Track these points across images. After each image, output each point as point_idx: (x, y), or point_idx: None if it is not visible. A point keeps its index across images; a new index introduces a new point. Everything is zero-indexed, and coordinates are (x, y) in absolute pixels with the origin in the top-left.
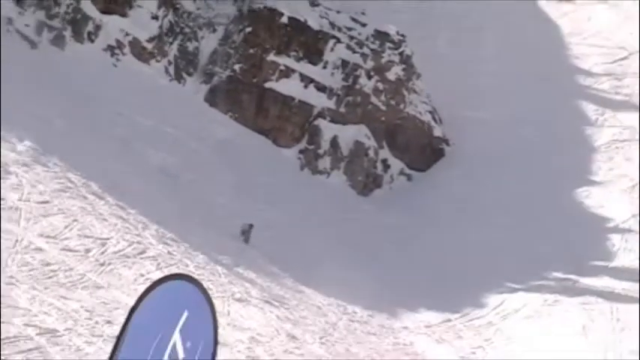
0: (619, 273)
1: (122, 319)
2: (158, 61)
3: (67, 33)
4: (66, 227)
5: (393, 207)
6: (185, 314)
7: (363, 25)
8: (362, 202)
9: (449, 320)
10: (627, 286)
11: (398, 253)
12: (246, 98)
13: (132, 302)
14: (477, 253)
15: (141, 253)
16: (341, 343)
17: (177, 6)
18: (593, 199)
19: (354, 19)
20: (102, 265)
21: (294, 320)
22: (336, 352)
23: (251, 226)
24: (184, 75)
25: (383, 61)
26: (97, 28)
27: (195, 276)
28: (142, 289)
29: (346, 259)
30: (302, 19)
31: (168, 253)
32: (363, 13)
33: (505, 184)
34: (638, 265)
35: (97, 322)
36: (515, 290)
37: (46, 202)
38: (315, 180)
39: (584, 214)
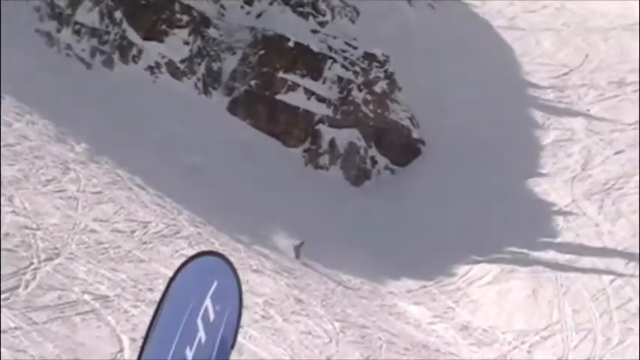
0: (562, 247)
1: (162, 288)
2: (189, 79)
3: (116, 56)
4: (115, 213)
5: (379, 195)
6: (215, 283)
7: (355, 48)
8: (355, 192)
9: (425, 286)
10: (569, 258)
11: (384, 232)
12: (261, 108)
13: (170, 273)
14: (447, 232)
15: (176, 233)
16: (338, 305)
17: (204, 34)
18: (540, 187)
19: (347, 43)
20: (144, 243)
21: (301, 287)
22: (334, 312)
23: (302, 243)
24: (210, 89)
25: (371, 77)
26: (140, 52)
27: (220, 252)
28: (177, 262)
29: (342, 237)
30: (305, 44)
31: (198, 233)
32: (354, 39)
33: (470, 176)
34: (582, 241)
35: (140, 290)
36: (478, 262)
37: (99, 192)
38: (316, 174)
39: (533, 200)
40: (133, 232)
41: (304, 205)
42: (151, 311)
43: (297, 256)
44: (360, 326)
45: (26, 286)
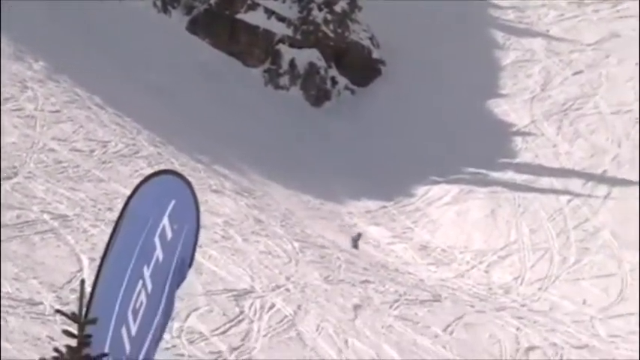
0: (521, 167)
1: (120, 207)
2: None
3: None
4: (74, 132)
5: (339, 115)
6: (173, 202)
7: None
8: (315, 112)
9: (385, 207)
10: (527, 178)
11: (344, 152)
12: (221, 27)
13: (128, 193)
14: (407, 152)
15: (135, 153)
16: (298, 225)
17: None
18: (500, 108)
19: None
20: (103, 162)
21: (260, 207)
22: (293, 232)
23: (360, 234)
24: (169, 8)
25: None
26: None
27: (180, 171)
28: (137, 182)
29: (302, 158)
30: None
31: (158, 153)
32: None
33: (429, 97)
34: (540, 162)
35: (99, 209)
36: (437, 182)
37: (57, 111)
38: (276, 94)
39: (492, 121)
40: (92, 151)
41: (264, 126)
42: (109, 230)
43: (356, 247)
44: (319, 246)
45: None
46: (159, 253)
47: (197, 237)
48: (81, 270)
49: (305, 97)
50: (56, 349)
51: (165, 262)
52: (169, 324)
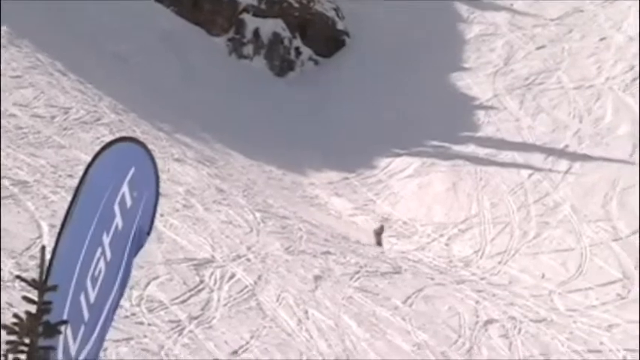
0: (483, 141)
1: (81, 174)
2: None
3: None
4: (35, 98)
5: (303, 86)
6: (132, 170)
7: None
8: (278, 82)
9: (347, 178)
10: (489, 152)
11: (307, 123)
12: None
13: (89, 160)
14: (370, 124)
15: (97, 120)
16: (260, 195)
17: None
18: (463, 81)
19: None
20: (64, 129)
21: (222, 177)
22: (255, 202)
23: (382, 227)
24: None
25: None
26: None
27: (141, 139)
28: (97, 149)
29: (265, 128)
30: None
31: (120, 121)
32: None
33: (393, 69)
34: (502, 136)
35: (60, 176)
36: (400, 154)
37: (19, 76)
38: (240, 63)
39: (455, 94)
40: (54, 117)
41: (227, 95)
42: (69, 197)
43: (380, 243)
44: (281, 217)
45: None
46: (118, 220)
47: (156, 205)
48: (40, 236)
49: (269, 67)
50: (16, 315)
51: (125, 230)
52: (128, 292)
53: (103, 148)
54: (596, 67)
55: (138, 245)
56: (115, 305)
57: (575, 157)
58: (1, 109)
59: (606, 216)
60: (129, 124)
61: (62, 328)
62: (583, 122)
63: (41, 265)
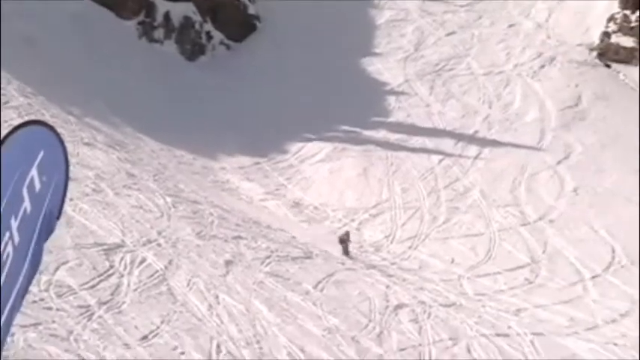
0: (394, 127)
1: None
2: None
3: None
4: None
5: (214, 70)
6: (41, 153)
7: None
8: (189, 66)
9: (258, 163)
10: (400, 137)
11: (218, 108)
12: None
13: None
14: (281, 109)
15: (5, 103)
16: (171, 180)
17: None
18: (374, 67)
19: None
20: None
21: (133, 161)
22: (166, 187)
23: (348, 233)
24: None
25: None
26: None
27: (50, 123)
28: (5, 132)
29: (176, 112)
30: None
31: (28, 104)
32: None
33: (304, 54)
34: (413, 121)
35: None
36: (311, 139)
37: None
38: (151, 47)
39: (366, 80)
40: None
41: (138, 79)
42: None
43: (346, 252)
44: (192, 201)
45: None
46: (27, 204)
47: (66, 189)
48: None
49: (180, 52)
50: None
51: (33, 214)
52: (37, 277)
53: (11, 132)
54: (505, 54)
55: (47, 230)
56: (24, 290)
57: (484, 142)
58: None
59: (514, 201)
60: (38, 108)
61: None
62: (492, 108)
63: None
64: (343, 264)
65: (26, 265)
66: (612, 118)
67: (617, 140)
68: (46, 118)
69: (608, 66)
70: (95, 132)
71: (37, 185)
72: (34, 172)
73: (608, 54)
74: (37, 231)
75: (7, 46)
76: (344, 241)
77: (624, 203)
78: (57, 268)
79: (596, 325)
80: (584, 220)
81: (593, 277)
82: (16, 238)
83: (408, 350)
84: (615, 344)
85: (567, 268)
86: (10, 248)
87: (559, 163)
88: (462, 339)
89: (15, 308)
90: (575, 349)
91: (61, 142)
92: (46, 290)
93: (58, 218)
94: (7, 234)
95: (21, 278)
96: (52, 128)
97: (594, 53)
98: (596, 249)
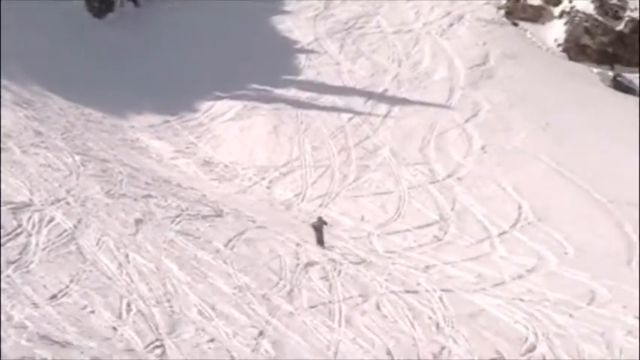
0: (304, 85)
1: None
2: None
3: None
4: None
5: (122, 28)
6: None
7: None
8: (97, 23)
9: (168, 121)
10: (310, 96)
11: (127, 66)
12: None
13: None
14: (191, 67)
15: None
16: (79, 138)
17: None
18: (284, 25)
19: None
20: None
21: (40, 119)
22: (74, 145)
23: (321, 220)
24: None
25: None
26: None
27: None
28: None
29: (84, 69)
30: None
31: None
32: None
33: (214, 12)
34: (323, 80)
35: None
36: (221, 98)
37: None
38: (57, 4)
39: (277, 38)
40: None
41: (45, 37)
42: None
43: (321, 241)
44: (101, 160)
45: None
46: None
47: None
48: None
49: (87, 8)
50: None
51: None
52: None
53: None
54: (415, 12)
55: None
56: None
57: (394, 101)
58: None
59: (424, 159)
60: None
61: None
62: (402, 67)
63: None
64: (254, 222)
65: None
66: (520, 76)
67: (525, 99)
68: None
69: (515, 24)
70: (4, 91)
71: None
72: None
73: (515, 12)
74: None
75: None
76: (318, 229)
77: (531, 161)
78: None
79: (503, 281)
80: (492, 178)
81: (501, 234)
82: None
83: (318, 307)
84: (521, 300)
85: (475, 226)
86: None
87: (467, 121)
88: (372, 296)
89: None
90: (483, 304)
91: None
92: None
93: None
94: None
95: None
96: None
97: (502, 12)
98: (504, 206)
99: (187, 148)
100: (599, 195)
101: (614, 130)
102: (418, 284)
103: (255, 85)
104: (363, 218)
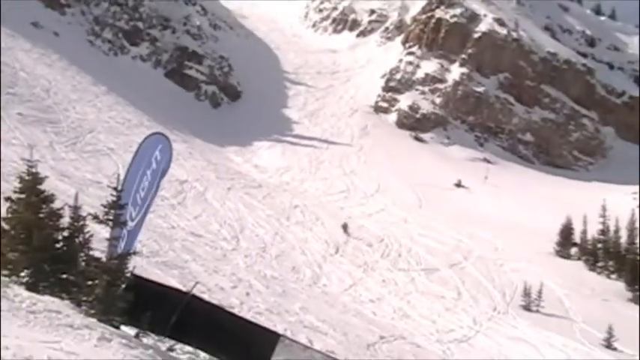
0: None
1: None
2: None
3: None
4: None
5: (224, 114)
6: (158, 148)
7: None
8: (214, 112)
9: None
10: None
11: (227, 132)
12: None
13: None
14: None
15: None
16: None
17: None
18: None
19: None
20: None
21: (208, 164)
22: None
23: (346, 225)
24: None
25: None
26: None
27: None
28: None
29: (212, 133)
30: None
31: None
32: None
33: None
34: None
35: None
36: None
37: None
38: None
39: None
40: None
41: (190, 114)
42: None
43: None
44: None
45: None
46: (154, 166)
47: (170, 156)
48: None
49: (211, 105)
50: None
51: (154, 177)
52: None
53: (144, 140)
54: (338, 107)
55: (162, 175)
56: (148, 207)
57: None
58: None
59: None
60: None
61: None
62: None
63: (117, 184)
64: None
65: (152, 193)
66: (376, 139)
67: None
68: None
69: (377, 113)
70: (186, 144)
71: (154, 163)
72: (154, 160)
73: (379, 109)
74: (158, 178)
75: None
76: (345, 228)
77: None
78: None
79: None
80: None
81: None
82: (148, 180)
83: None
84: None
85: None
86: (146, 183)
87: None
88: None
89: (143, 219)
90: None
91: (169, 143)
92: None
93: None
94: (145, 178)
95: (149, 200)
96: (165, 136)
97: (373, 108)
98: None
99: (246, 161)
100: None
101: None
102: None
103: None
104: None
